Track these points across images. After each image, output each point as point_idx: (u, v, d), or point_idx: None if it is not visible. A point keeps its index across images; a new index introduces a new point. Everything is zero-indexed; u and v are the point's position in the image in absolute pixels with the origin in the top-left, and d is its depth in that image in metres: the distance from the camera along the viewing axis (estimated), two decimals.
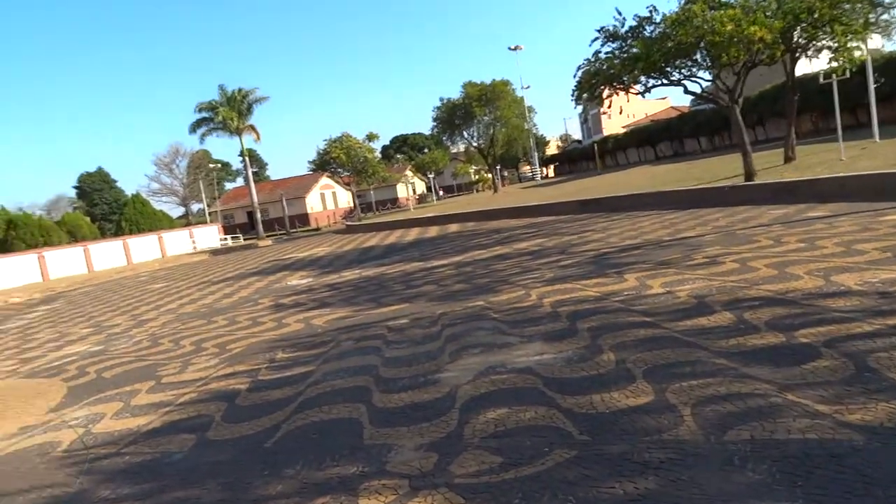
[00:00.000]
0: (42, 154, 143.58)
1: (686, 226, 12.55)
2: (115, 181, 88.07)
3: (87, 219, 58.87)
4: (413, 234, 25.27)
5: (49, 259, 35.53)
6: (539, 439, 3.70)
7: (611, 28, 17.84)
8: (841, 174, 13.06)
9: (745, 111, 18.56)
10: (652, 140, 55.76)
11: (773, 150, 25.50)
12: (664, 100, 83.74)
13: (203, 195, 72.83)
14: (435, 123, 54.07)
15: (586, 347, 5.36)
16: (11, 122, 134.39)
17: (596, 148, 64.99)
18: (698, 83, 17.82)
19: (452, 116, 51.81)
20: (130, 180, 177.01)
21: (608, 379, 4.51)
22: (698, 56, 16.79)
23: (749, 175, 16.83)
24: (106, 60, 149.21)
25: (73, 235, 43.91)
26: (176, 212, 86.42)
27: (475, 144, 55.55)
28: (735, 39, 14.99)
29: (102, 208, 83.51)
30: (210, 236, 48.64)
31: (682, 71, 17.25)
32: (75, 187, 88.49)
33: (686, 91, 17.95)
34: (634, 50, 17.01)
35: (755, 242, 9.20)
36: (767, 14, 15.39)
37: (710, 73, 17.97)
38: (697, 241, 10.20)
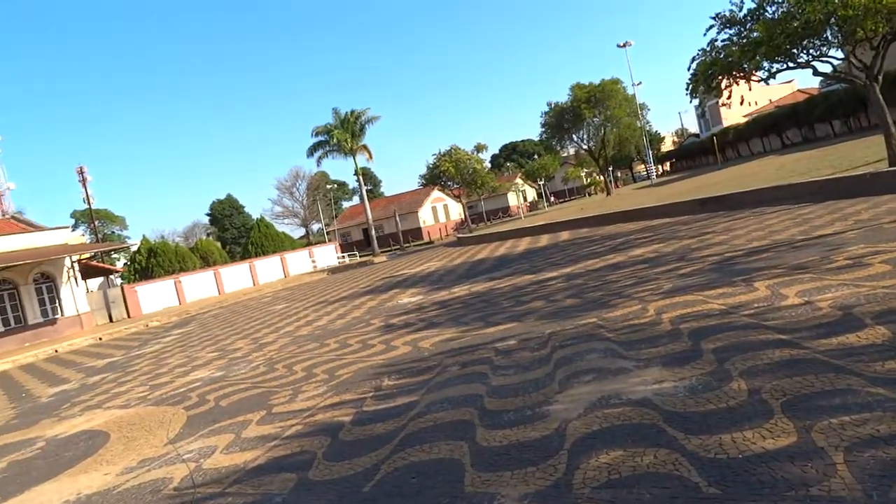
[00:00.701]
0: (182, 185, 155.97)
1: (822, 221, 11.34)
2: (243, 206, 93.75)
3: (218, 244, 62.86)
4: (524, 244, 24.81)
5: (185, 283, 38.12)
6: (660, 491, 3.22)
7: (727, 13, 16.65)
8: None
9: (885, 87, 16.68)
10: (778, 127, 52.16)
11: None
12: (790, 83, 78.35)
13: (321, 215, 75.89)
14: (543, 129, 53.39)
15: (712, 373, 4.77)
16: (157, 160, 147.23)
17: (715, 140, 61.64)
18: (829, 63, 16.23)
19: (561, 120, 50.95)
20: (256, 205, 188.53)
21: (740, 414, 3.93)
22: (828, 33, 15.26)
23: (894, 159, 15.08)
24: (233, 92, 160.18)
25: (206, 260, 46.94)
26: (297, 232, 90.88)
27: (585, 147, 54.27)
28: (872, 10, 13.48)
29: (232, 233, 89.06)
30: (328, 255, 50.43)
31: (811, 51, 15.76)
32: (208, 214, 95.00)
33: (816, 73, 16.39)
34: (755, 34, 15.75)
35: None
36: None
37: (842, 51, 16.33)
38: (838, 240, 9.12)
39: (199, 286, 38.88)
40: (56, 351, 24.09)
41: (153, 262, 42.50)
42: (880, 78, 15.93)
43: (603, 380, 5.25)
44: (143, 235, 47.00)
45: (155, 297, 36.41)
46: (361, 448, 4.99)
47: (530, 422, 4.67)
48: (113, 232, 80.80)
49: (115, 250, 59.24)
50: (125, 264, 49.58)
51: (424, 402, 5.85)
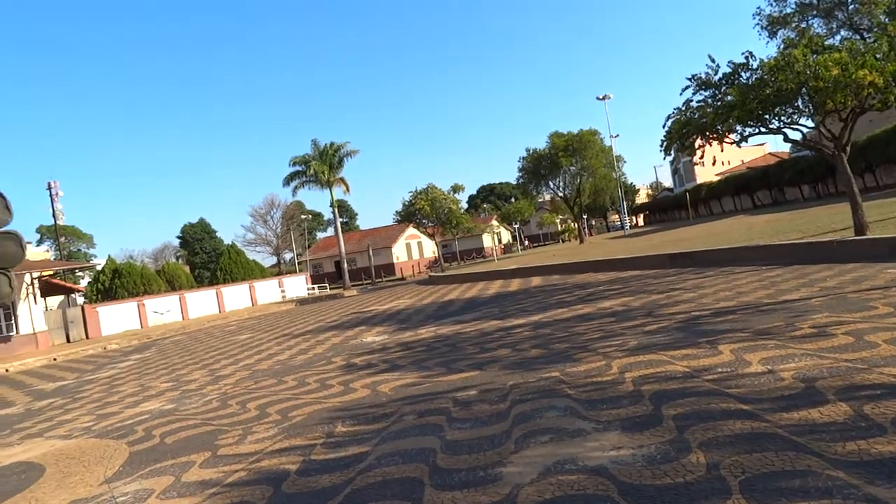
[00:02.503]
0: (155, 206, 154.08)
1: (789, 286, 11.42)
2: (215, 231, 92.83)
3: (186, 268, 61.84)
4: (495, 287, 24.74)
5: (148, 306, 37.26)
6: None
7: (703, 76, 17.00)
8: None
9: (852, 157, 17.11)
10: (749, 188, 53.38)
11: (887, 199, 23.57)
12: (762, 146, 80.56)
13: (294, 245, 75.25)
14: (521, 173, 54.03)
15: (671, 442, 4.63)
16: (132, 179, 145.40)
17: (688, 196, 62.79)
18: (800, 130, 16.63)
19: (538, 166, 51.66)
20: (229, 230, 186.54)
21: (697, 490, 3.79)
22: (800, 103, 15.66)
23: (860, 229, 15.37)
24: (213, 118, 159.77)
25: (172, 284, 46.03)
26: (269, 261, 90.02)
27: (561, 194, 54.94)
28: (841, 84, 13.87)
29: (202, 257, 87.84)
30: (298, 285, 49.85)
31: (782, 118, 16.13)
32: (179, 237, 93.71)
33: (786, 139, 16.76)
34: (729, 98, 16.08)
35: (871, 310, 8.11)
36: (878, 56, 14.18)
37: (812, 120, 16.75)
38: (803, 306, 9.15)
39: (163, 310, 38.01)
40: (7, 370, 23.21)
41: (117, 282, 41.57)
42: (848, 149, 16.34)
43: (560, 441, 5.08)
44: (109, 255, 45.96)
45: (116, 318, 35.52)
46: (303, 503, 4.74)
47: (482, 484, 4.47)
48: (79, 250, 79.19)
49: (80, 269, 57.89)
50: (88, 283, 48.46)
51: (376, 454, 5.62)
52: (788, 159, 48.28)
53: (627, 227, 60.22)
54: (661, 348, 7.93)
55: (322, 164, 53.25)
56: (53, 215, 44.11)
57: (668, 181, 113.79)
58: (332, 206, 56.31)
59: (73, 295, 41.14)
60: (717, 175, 65.53)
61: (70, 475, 6.90)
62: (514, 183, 64.97)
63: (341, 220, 64.24)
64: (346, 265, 55.75)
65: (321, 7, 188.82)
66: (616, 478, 4.15)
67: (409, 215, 52.66)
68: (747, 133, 16.75)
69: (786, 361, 6.27)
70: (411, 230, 69.89)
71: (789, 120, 16.24)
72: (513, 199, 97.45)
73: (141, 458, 7.11)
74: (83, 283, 56.13)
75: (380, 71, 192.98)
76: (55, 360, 25.16)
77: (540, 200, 75.38)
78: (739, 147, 18.58)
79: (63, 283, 37.53)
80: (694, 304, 11.14)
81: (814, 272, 12.71)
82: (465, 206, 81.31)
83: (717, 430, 4.69)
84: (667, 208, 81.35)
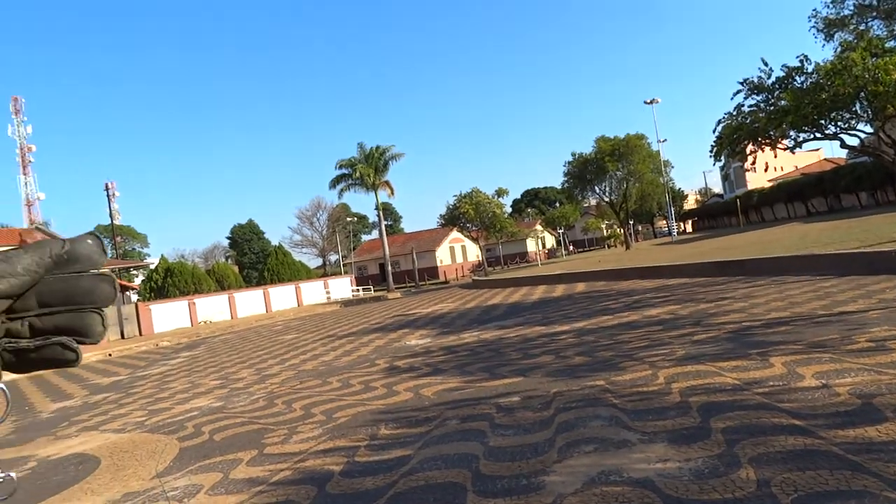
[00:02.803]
0: (206, 207, 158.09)
1: (845, 297, 11.05)
2: (263, 232, 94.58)
3: (235, 268, 63.21)
4: (538, 292, 24.60)
5: (198, 305, 38.21)
6: None
7: (755, 80, 16.63)
8: None
9: None
10: (803, 195, 51.89)
11: None
12: (817, 151, 78.16)
13: (339, 247, 76.16)
14: (566, 178, 53.60)
15: (720, 456, 4.54)
16: (184, 181, 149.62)
17: (738, 203, 61.36)
18: (857, 136, 16.10)
19: (584, 171, 51.18)
20: (276, 232, 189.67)
21: None
22: (857, 107, 15.17)
23: None
24: (262, 120, 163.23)
25: (221, 283, 47.11)
26: (314, 262, 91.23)
27: (607, 199, 54.31)
28: None
29: (250, 257, 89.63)
30: (343, 287, 50.43)
31: (839, 123, 15.65)
32: (228, 238, 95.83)
33: (843, 145, 16.25)
34: (782, 102, 15.69)
35: None
36: None
37: (871, 126, 16.20)
38: (860, 319, 8.84)
39: (212, 309, 38.94)
40: None
41: (169, 281, 42.78)
42: None
43: (605, 452, 5.03)
44: (162, 255, 47.38)
45: (168, 316, 36.53)
46: None
47: (524, 492, 4.45)
48: (134, 248, 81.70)
49: (134, 268, 59.79)
50: (142, 282, 50.00)
51: (418, 458, 5.65)
52: (845, 165, 46.74)
53: (675, 234, 59.17)
54: (710, 359, 7.77)
55: (368, 168, 53.75)
56: (110, 215, 45.79)
57: (717, 187, 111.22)
58: (377, 209, 56.81)
59: (127, 293, 42.53)
60: (769, 181, 63.83)
61: (123, 468, 7.13)
62: (559, 187, 64.57)
63: (386, 222, 64.79)
64: (390, 268, 56.14)
65: (367, 11, 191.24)
66: (662, 491, 4.09)
67: (454, 219, 52.78)
68: (801, 138, 16.32)
69: (841, 376, 6.08)
70: (455, 234, 69.95)
71: (846, 125, 15.76)
72: (557, 204, 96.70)
73: (190, 454, 7.30)
74: (137, 280, 57.90)
75: (426, 74, 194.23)
76: (110, 355, 26.02)
77: (585, 205, 74.64)
78: (793, 153, 18.13)
79: (119, 280, 38.84)
80: (744, 315, 10.88)
81: (872, 283, 12.26)
82: (510, 210, 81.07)
83: (769, 446, 4.57)
84: (716, 215, 79.67)
